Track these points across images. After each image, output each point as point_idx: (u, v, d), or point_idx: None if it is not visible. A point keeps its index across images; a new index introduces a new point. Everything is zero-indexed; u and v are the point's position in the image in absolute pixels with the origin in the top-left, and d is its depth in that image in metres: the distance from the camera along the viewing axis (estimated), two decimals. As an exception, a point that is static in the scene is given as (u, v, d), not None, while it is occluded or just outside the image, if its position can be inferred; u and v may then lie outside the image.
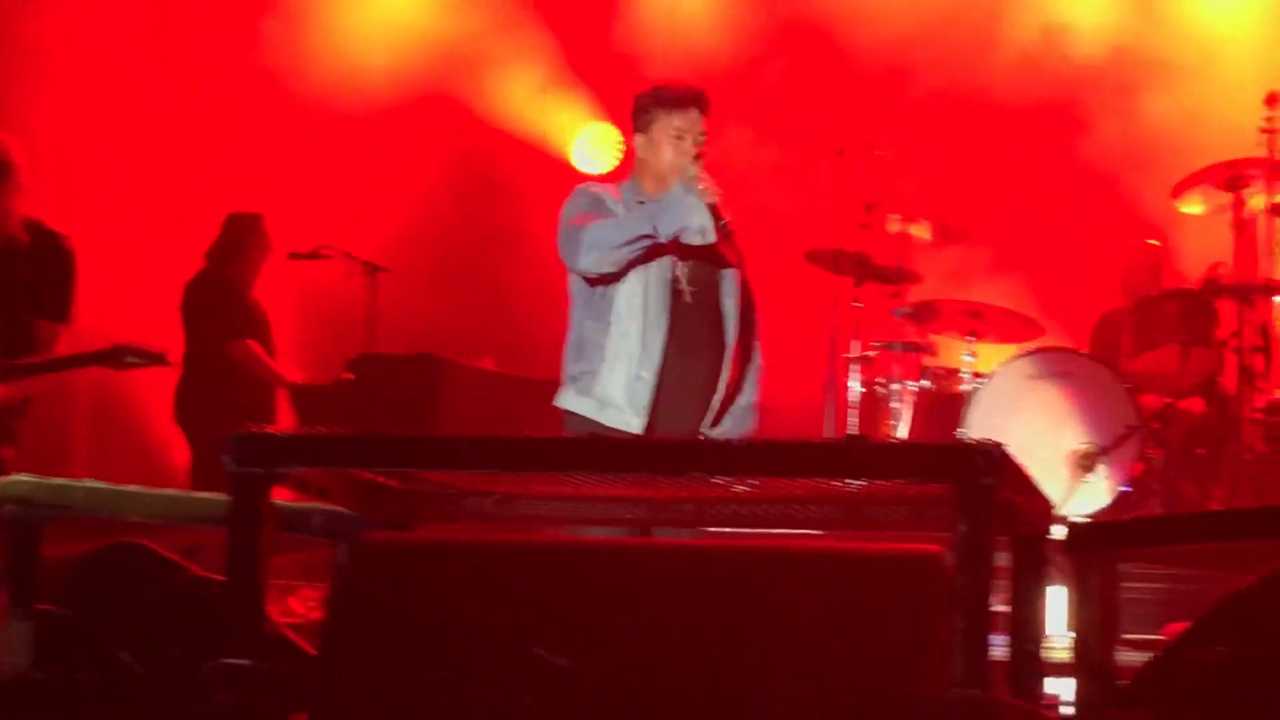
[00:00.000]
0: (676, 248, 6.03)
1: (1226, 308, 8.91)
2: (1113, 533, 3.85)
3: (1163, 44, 11.12)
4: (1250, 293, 8.78)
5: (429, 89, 11.74)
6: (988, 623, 3.30)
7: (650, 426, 6.00)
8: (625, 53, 11.52)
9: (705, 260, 6.17)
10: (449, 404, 9.79)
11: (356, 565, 3.69)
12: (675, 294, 6.08)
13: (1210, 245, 9.40)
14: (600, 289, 6.08)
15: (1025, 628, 3.83)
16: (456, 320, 11.42)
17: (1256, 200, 8.90)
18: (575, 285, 6.20)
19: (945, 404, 9.04)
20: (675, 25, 11.67)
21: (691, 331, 6.12)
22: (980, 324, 9.24)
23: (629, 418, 5.99)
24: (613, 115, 11.73)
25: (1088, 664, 3.77)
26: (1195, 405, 8.97)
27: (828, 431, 9.28)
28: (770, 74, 11.37)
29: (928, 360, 9.44)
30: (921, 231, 9.71)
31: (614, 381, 6.01)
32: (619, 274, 6.01)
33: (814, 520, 4.16)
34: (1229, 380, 8.82)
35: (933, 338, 9.60)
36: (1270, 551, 3.63)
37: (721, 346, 6.19)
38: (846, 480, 3.69)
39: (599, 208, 6.13)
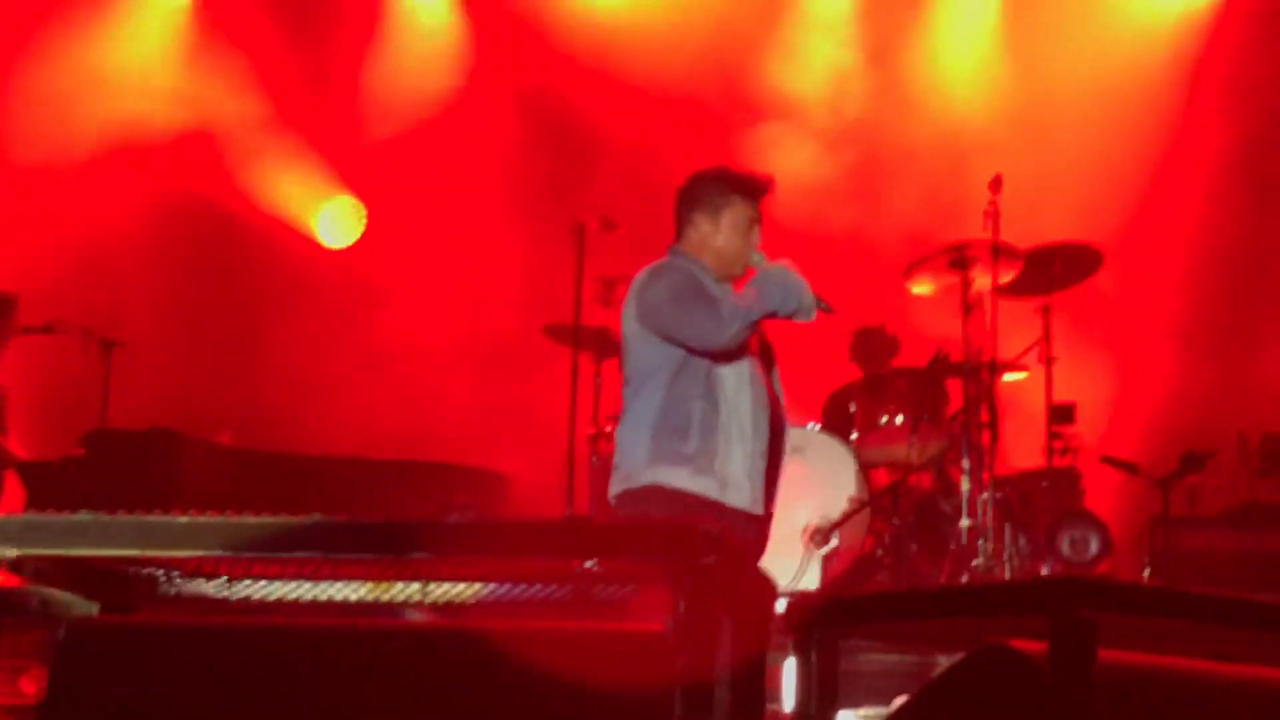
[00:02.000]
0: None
1: (955, 385, 9.14)
2: (828, 609, 3.91)
3: (902, 126, 11.44)
4: (977, 371, 9.02)
5: (163, 168, 11.59)
6: (710, 700, 3.33)
7: (764, 505, 5.95)
8: (362, 126, 11.55)
9: (762, 338, 6.15)
10: (186, 480, 9.58)
11: (71, 648, 3.61)
12: (756, 372, 6.01)
13: (939, 324, 9.62)
14: (703, 364, 5.86)
15: (742, 708, 3.86)
16: (195, 394, 11.24)
17: (982, 281, 9.14)
18: (654, 357, 5.90)
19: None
20: (415, 99, 11.67)
21: (774, 410, 6.05)
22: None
23: (751, 496, 5.86)
24: (354, 188, 11.67)
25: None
26: (924, 480, 9.16)
27: (566, 509, 9.29)
28: (509, 148, 11.41)
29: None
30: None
31: (734, 461, 5.83)
32: (729, 352, 5.85)
33: (547, 599, 4.16)
34: (957, 456, 9.03)
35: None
36: (985, 628, 3.71)
37: (783, 427, 6.13)
38: (575, 560, 3.70)
39: (703, 283, 5.92)
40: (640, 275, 6.00)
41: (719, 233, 6.02)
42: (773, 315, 5.79)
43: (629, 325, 5.98)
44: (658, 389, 5.86)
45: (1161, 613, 3.57)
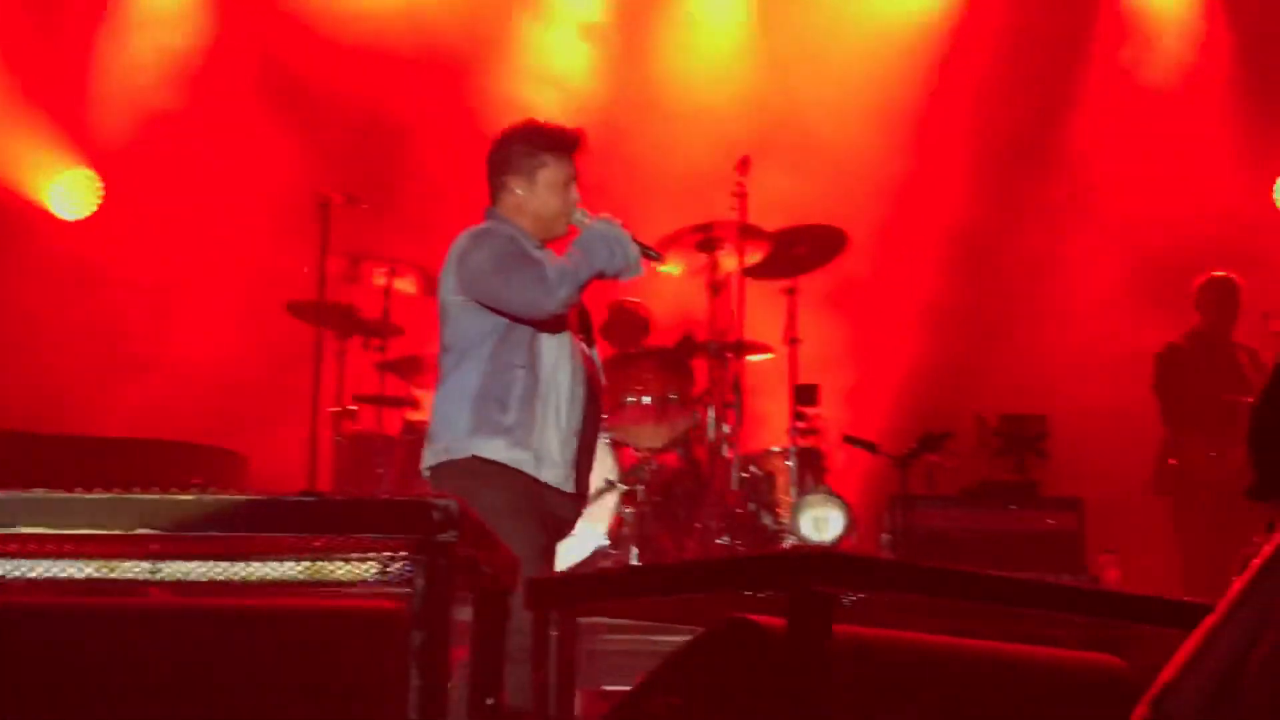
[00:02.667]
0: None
1: (701, 366, 9.19)
2: (568, 587, 3.88)
3: (651, 108, 11.48)
4: (723, 351, 9.09)
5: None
6: (446, 676, 3.28)
7: (576, 481, 5.75)
8: (99, 98, 11.27)
9: (582, 309, 5.96)
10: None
11: None
12: (576, 344, 5.83)
13: (687, 305, 9.67)
14: (525, 334, 5.68)
15: (485, 681, 3.83)
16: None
17: (729, 262, 9.20)
18: (476, 327, 5.71)
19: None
20: (156, 70, 11.41)
21: (592, 382, 5.87)
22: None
23: (564, 473, 5.68)
24: (92, 161, 11.36)
25: (546, 714, 3.79)
26: (671, 460, 9.19)
27: (310, 486, 9.15)
28: (253, 122, 11.20)
29: (411, 415, 9.43)
30: (407, 285, 9.72)
31: (549, 435, 5.66)
32: (550, 322, 5.67)
33: (280, 576, 4.07)
34: (702, 436, 9.09)
35: (417, 392, 9.58)
36: (726, 603, 3.72)
37: (600, 402, 5.98)
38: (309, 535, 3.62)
39: (526, 248, 5.72)
40: (459, 241, 5.80)
41: (535, 194, 5.86)
42: (600, 275, 5.66)
43: (448, 294, 5.79)
44: (480, 359, 5.70)
45: (896, 587, 3.62)
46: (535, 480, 5.64)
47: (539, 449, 5.64)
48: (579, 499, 5.86)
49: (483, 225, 5.86)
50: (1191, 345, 9.97)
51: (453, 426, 5.72)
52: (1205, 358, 9.88)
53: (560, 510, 5.77)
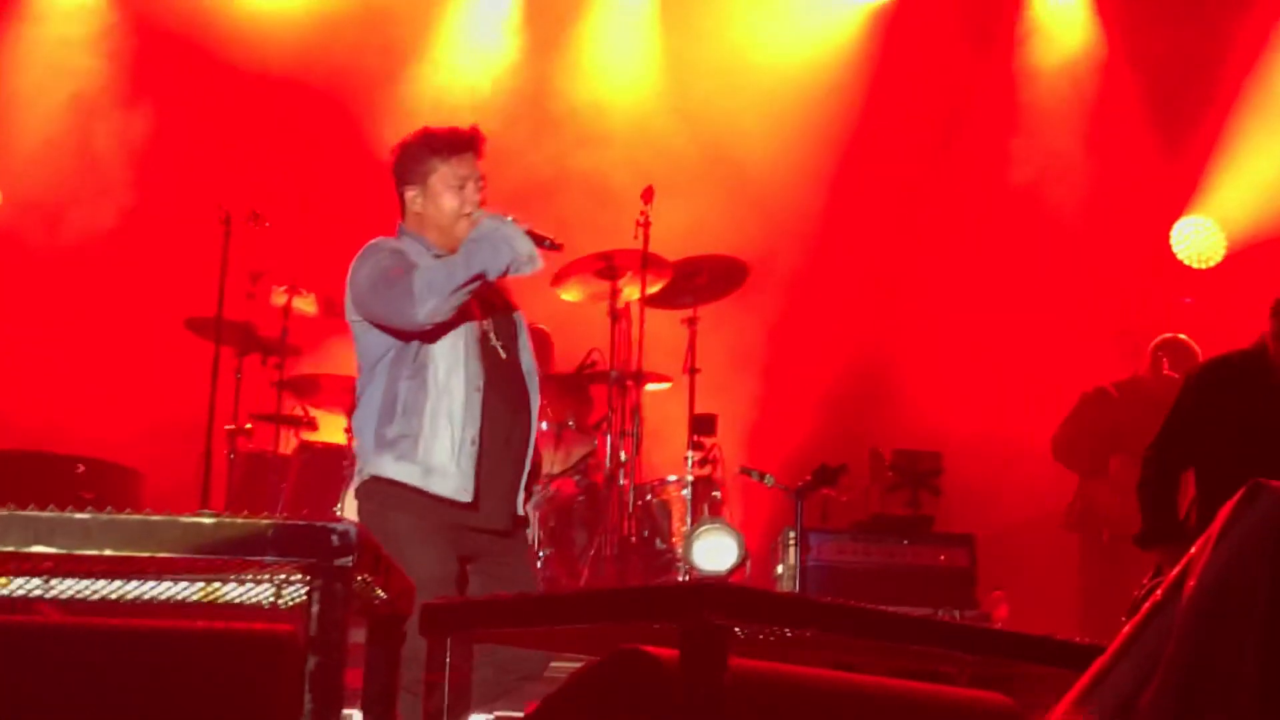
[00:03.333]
0: (479, 301, 5.64)
1: (600, 393, 9.21)
2: (462, 613, 3.88)
3: (558, 131, 11.50)
4: (623, 379, 9.11)
5: None
6: (340, 701, 3.26)
7: (476, 492, 5.56)
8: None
9: (504, 311, 5.83)
10: None
11: None
12: (488, 349, 5.70)
13: (587, 332, 9.68)
14: (414, 346, 5.56)
15: (378, 706, 3.81)
16: None
17: (630, 290, 9.23)
18: (375, 345, 5.64)
19: (324, 480, 8.97)
20: (57, 79, 11.31)
21: (508, 388, 5.72)
22: (360, 400, 9.20)
23: (458, 484, 5.52)
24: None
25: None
26: (567, 487, 9.19)
27: (203, 504, 9.07)
28: (155, 136, 11.12)
29: (307, 434, 9.38)
30: (306, 305, 9.68)
31: (439, 446, 5.52)
32: (438, 330, 5.53)
33: (173, 596, 4.04)
34: (599, 463, 9.10)
35: (313, 412, 9.54)
36: (622, 634, 3.72)
37: (529, 403, 5.83)
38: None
39: (405, 260, 5.59)
40: (354, 261, 5.75)
41: (430, 201, 5.77)
42: (483, 276, 5.50)
43: (349, 314, 5.74)
44: (379, 376, 5.65)
45: (789, 621, 3.64)
46: (431, 496, 5.54)
47: (425, 460, 5.54)
48: (492, 509, 5.68)
49: (372, 241, 5.78)
50: (1122, 394, 10.00)
51: (363, 448, 5.71)
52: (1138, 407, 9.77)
53: (470, 522, 5.63)
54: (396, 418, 5.59)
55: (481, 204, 5.78)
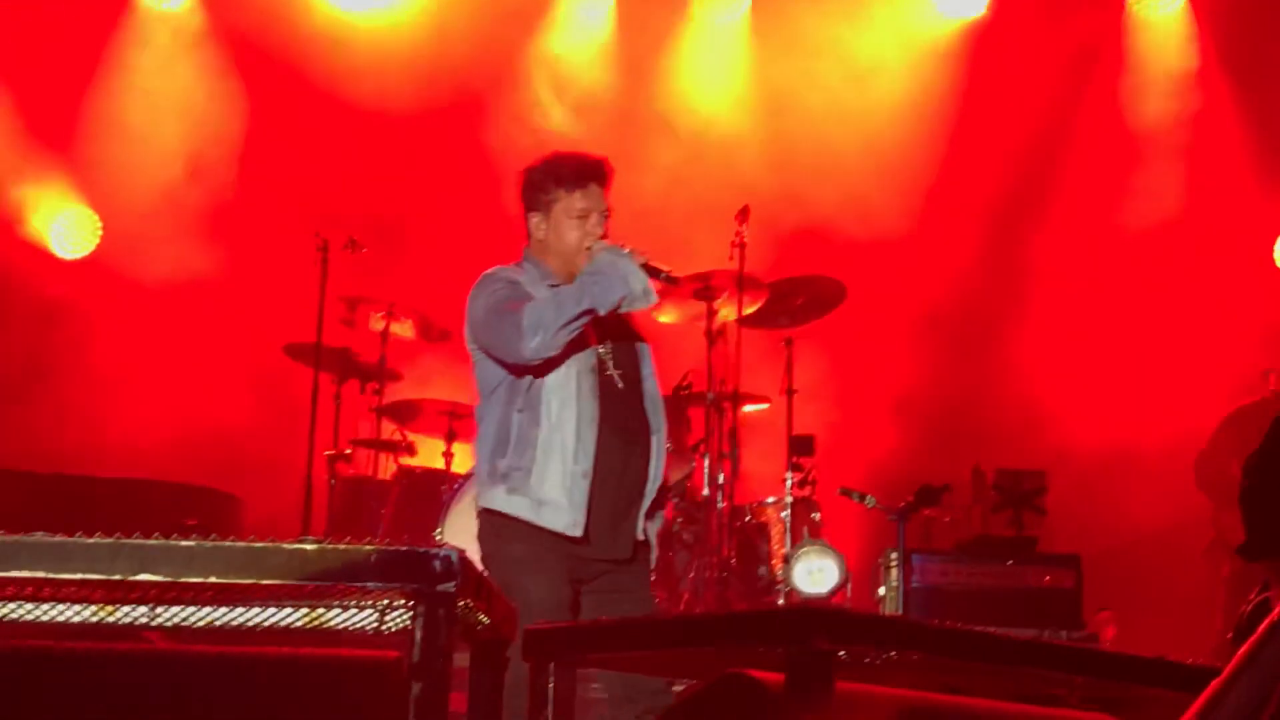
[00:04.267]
0: (598, 328, 5.58)
1: (698, 414, 9.18)
2: (565, 638, 3.86)
3: (655, 151, 11.49)
4: (720, 401, 9.07)
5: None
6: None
7: (588, 524, 5.50)
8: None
9: (625, 339, 5.78)
10: None
11: None
12: (604, 379, 5.64)
13: (684, 353, 9.66)
14: (527, 378, 5.54)
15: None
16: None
17: (726, 311, 9.20)
18: (491, 375, 5.64)
19: (424, 504, 8.98)
20: (145, 109, 11.42)
21: (624, 419, 5.65)
22: (460, 424, 9.24)
23: (570, 518, 5.47)
24: (91, 199, 11.38)
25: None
26: (667, 510, 9.15)
27: (304, 530, 9.11)
28: (254, 163, 11.21)
29: (406, 459, 9.41)
30: (404, 330, 9.72)
31: (550, 479, 5.48)
32: (550, 361, 5.49)
33: (278, 623, 4.05)
34: (698, 485, 9.06)
35: (412, 437, 9.57)
36: (725, 658, 3.70)
37: (649, 431, 5.76)
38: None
39: (519, 291, 5.59)
40: (472, 290, 5.74)
41: (552, 230, 5.72)
42: (593, 311, 5.46)
43: (468, 342, 5.75)
44: (495, 406, 5.63)
45: (896, 644, 3.60)
46: (546, 530, 5.50)
47: (537, 493, 5.50)
48: (605, 540, 5.62)
49: (489, 271, 5.76)
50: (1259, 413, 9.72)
51: (479, 476, 5.72)
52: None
53: (584, 554, 5.56)
54: (509, 450, 5.56)
55: (604, 237, 5.71)
